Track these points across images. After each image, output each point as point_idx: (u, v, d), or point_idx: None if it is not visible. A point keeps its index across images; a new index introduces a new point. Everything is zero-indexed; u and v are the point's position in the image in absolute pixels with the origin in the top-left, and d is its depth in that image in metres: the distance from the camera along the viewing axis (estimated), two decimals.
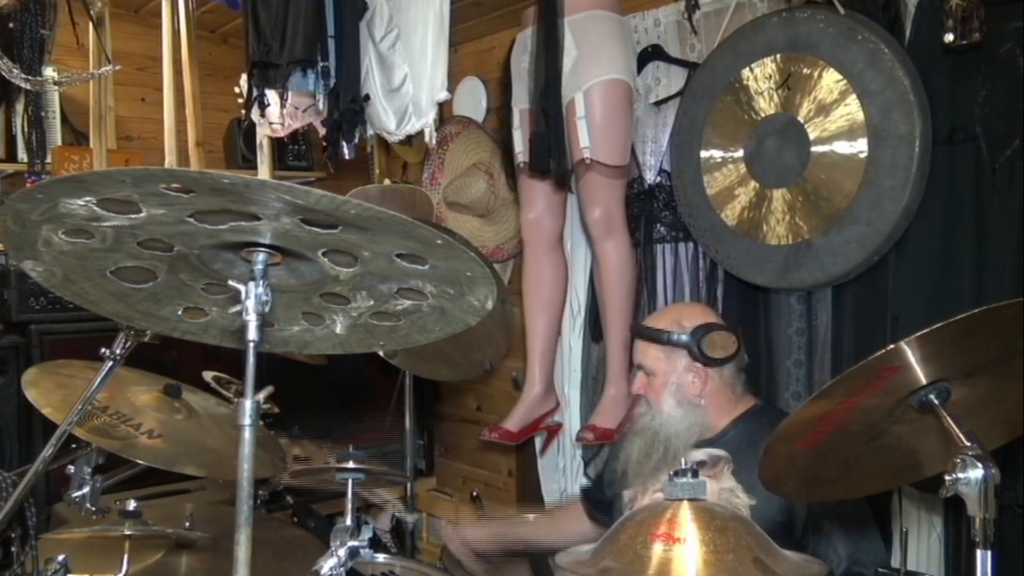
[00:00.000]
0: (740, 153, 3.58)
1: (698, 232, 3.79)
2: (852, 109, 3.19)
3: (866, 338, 3.29)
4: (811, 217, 3.35)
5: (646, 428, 3.08)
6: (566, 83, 3.87)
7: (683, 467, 1.98)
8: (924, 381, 2.13)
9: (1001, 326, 2.06)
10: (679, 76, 4.10)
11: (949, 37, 2.92)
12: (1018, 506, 2.80)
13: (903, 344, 2.02)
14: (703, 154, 3.72)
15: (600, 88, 3.81)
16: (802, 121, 3.34)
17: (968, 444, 1.98)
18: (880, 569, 2.95)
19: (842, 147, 3.24)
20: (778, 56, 3.41)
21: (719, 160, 3.66)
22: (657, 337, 3.18)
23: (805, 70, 3.32)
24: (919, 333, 1.99)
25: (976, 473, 1.91)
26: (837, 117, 3.24)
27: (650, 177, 4.20)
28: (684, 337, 3.13)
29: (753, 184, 3.53)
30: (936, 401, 2.13)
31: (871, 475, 2.50)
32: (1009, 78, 2.88)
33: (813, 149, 3.32)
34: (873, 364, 2.05)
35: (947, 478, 1.94)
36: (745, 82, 3.53)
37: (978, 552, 1.93)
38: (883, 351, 2.03)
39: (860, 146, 3.19)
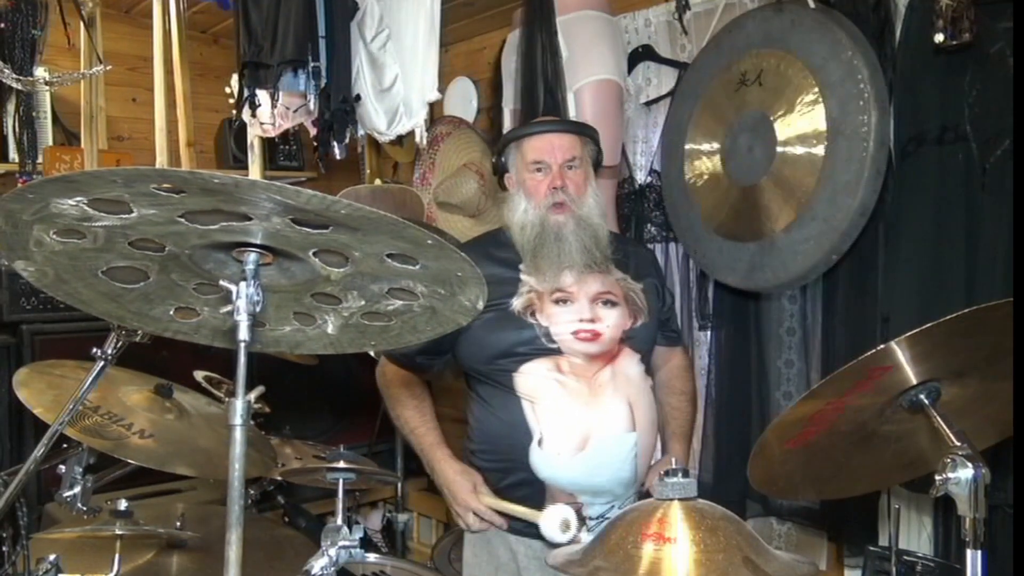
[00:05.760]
0: (717, 152, 3.59)
1: (680, 232, 3.81)
2: (815, 103, 3.20)
3: (857, 338, 3.29)
4: (776, 214, 3.36)
5: (579, 221, 3.02)
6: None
7: (674, 467, 1.98)
8: (914, 381, 2.13)
9: (991, 326, 2.06)
10: (670, 76, 4.11)
11: (939, 37, 2.92)
12: (1008, 506, 2.80)
13: (893, 344, 2.02)
14: (686, 153, 3.73)
15: (590, 88, 3.81)
16: (770, 117, 3.35)
17: (958, 444, 1.98)
18: (871, 548, 2.97)
19: (804, 142, 3.25)
20: (754, 52, 3.43)
21: (699, 159, 3.68)
22: (584, 129, 3.19)
23: (776, 65, 3.33)
24: (909, 333, 1.99)
25: (966, 473, 1.92)
26: (802, 111, 3.24)
27: (640, 177, 4.20)
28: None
29: (727, 182, 3.54)
30: (926, 401, 2.13)
31: (861, 475, 2.51)
32: (999, 78, 2.88)
33: (778, 145, 3.33)
34: (863, 364, 2.05)
35: (937, 478, 1.95)
36: (725, 80, 3.54)
37: (968, 552, 1.93)
38: (873, 351, 2.03)
39: (820, 140, 3.19)
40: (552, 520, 2.74)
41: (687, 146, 3.72)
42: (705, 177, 3.63)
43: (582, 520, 2.79)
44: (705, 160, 3.63)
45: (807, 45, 3.22)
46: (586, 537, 2.68)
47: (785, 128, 3.31)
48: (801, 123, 3.25)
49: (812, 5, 3.19)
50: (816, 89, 3.19)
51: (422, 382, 3.28)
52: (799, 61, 3.24)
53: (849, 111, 3.10)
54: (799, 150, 3.26)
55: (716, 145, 3.59)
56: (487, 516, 2.98)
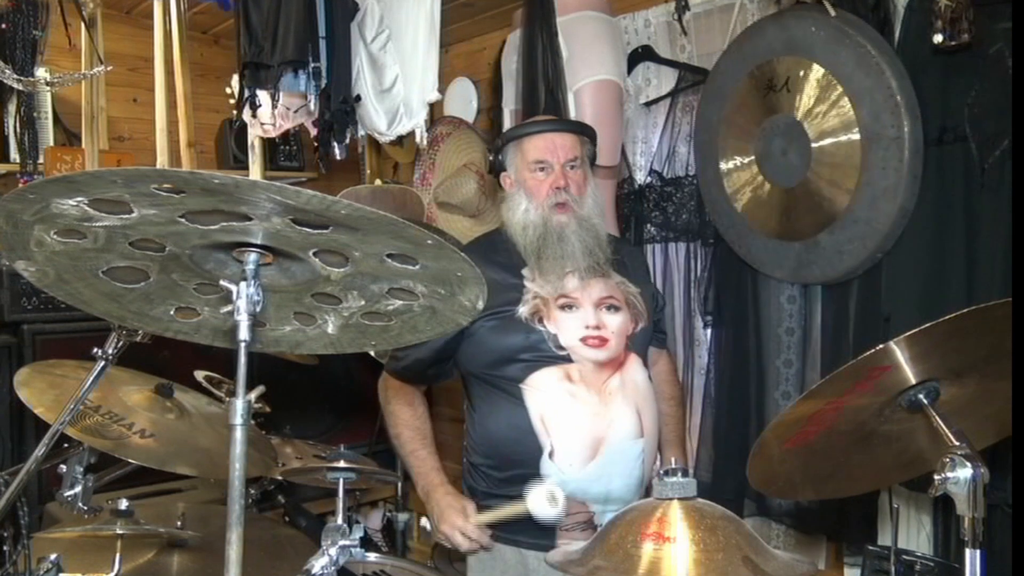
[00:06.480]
0: (751, 154, 3.58)
1: (724, 229, 3.78)
2: (845, 110, 3.19)
3: (857, 338, 3.29)
4: (816, 216, 3.35)
5: (581, 221, 3.03)
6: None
7: (673, 467, 1.98)
8: (913, 381, 2.13)
9: (990, 326, 2.07)
10: (669, 77, 4.11)
11: (938, 38, 2.91)
12: (1007, 505, 2.80)
13: (892, 344, 2.02)
14: (720, 155, 3.72)
15: (590, 89, 3.81)
16: (802, 122, 3.34)
17: (957, 443, 1.98)
18: (870, 547, 2.97)
19: (839, 148, 3.24)
20: (778, 58, 3.41)
21: (735, 161, 3.67)
22: (584, 129, 3.20)
23: (801, 72, 3.32)
24: (908, 333, 1.99)
25: (965, 472, 1.92)
26: (832, 118, 3.24)
27: (640, 178, 4.20)
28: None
29: (765, 184, 3.53)
30: (925, 401, 2.14)
31: (860, 475, 2.51)
32: (998, 78, 2.87)
33: (813, 150, 3.32)
34: (863, 364, 2.05)
35: (936, 477, 1.95)
36: (750, 85, 3.54)
37: (967, 551, 1.93)
38: (872, 351, 2.03)
39: (854, 147, 3.19)
40: (539, 498, 2.74)
41: (723, 153, 3.71)
42: (745, 182, 3.63)
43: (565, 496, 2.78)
44: (742, 167, 3.63)
45: (832, 56, 3.21)
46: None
47: (818, 133, 3.31)
48: (833, 129, 3.25)
49: (833, 13, 3.18)
50: (846, 98, 3.18)
51: (424, 400, 3.27)
52: (825, 70, 3.24)
53: (882, 121, 3.10)
54: (834, 156, 3.27)
55: (751, 154, 3.58)
56: (475, 536, 2.95)
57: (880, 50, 3.10)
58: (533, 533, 2.89)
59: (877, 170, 3.13)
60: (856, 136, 3.18)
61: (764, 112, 3.50)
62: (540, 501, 2.73)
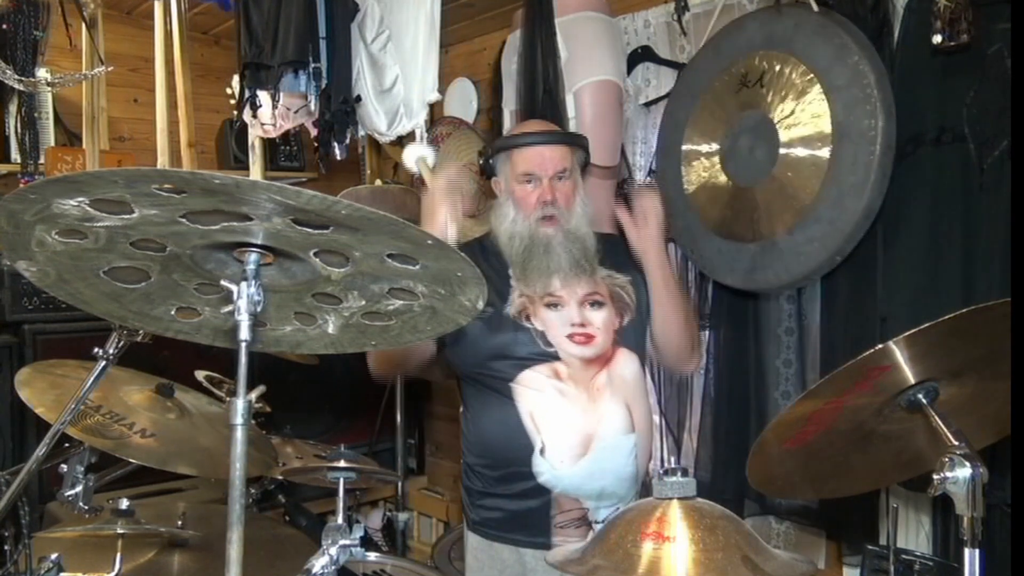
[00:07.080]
0: (716, 152, 3.55)
1: (677, 232, 3.77)
2: (820, 105, 3.16)
3: (855, 338, 3.28)
4: (778, 216, 3.32)
5: (568, 233, 3.02)
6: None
7: (673, 466, 1.98)
8: (912, 381, 2.13)
9: (989, 326, 2.06)
10: (669, 77, 4.11)
11: (937, 38, 2.92)
12: (1006, 505, 2.80)
13: (891, 344, 2.02)
14: (684, 153, 3.70)
15: (590, 89, 3.80)
16: (773, 119, 3.31)
17: (956, 443, 1.98)
18: (869, 547, 2.96)
19: (808, 144, 3.21)
20: (755, 54, 3.39)
21: (697, 160, 3.64)
22: (575, 139, 3.21)
23: (778, 67, 3.29)
24: (907, 333, 1.99)
25: (964, 472, 1.92)
26: (806, 114, 3.20)
27: (640, 177, 4.20)
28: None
29: (727, 183, 3.50)
30: (924, 401, 2.14)
31: (860, 474, 2.51)
32: (997, 79, 2.87)
33: (781, 147, 3.29)
34: (862, 364, 2.05)
35: (935, 477, 1.94)
36: (725, 81, 3.51)
37: (966, 551, 1.94)
38: (872, 351, 2.03)
39: (825, 143, 3.15)
40: (409, 156, 2.78)
41: (684, 147, 3.68)
42: (704, 177, 3.60)
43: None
44: (704, 161, 3.60)
45: (811, 49, 3.19)
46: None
47: (788, 130, 3.27)
48: (805, 126, 3.21)
49: (815, 8, 3.18)
50: (821, 93, 3.15)
51: None
52: (803, 64, 3.21)
53: (856, 115, 3.06)
54: (803, 152, 3.23)
55: (715, 146, 3.55)
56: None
57: (861, 45, 3.07)
58: (530, 532, 2.91)
59: (846, 165, 3.10)
60: (827, 131, 3.14)
61: (735, 109, 3.48)
62: (410, 157, 2.93)
